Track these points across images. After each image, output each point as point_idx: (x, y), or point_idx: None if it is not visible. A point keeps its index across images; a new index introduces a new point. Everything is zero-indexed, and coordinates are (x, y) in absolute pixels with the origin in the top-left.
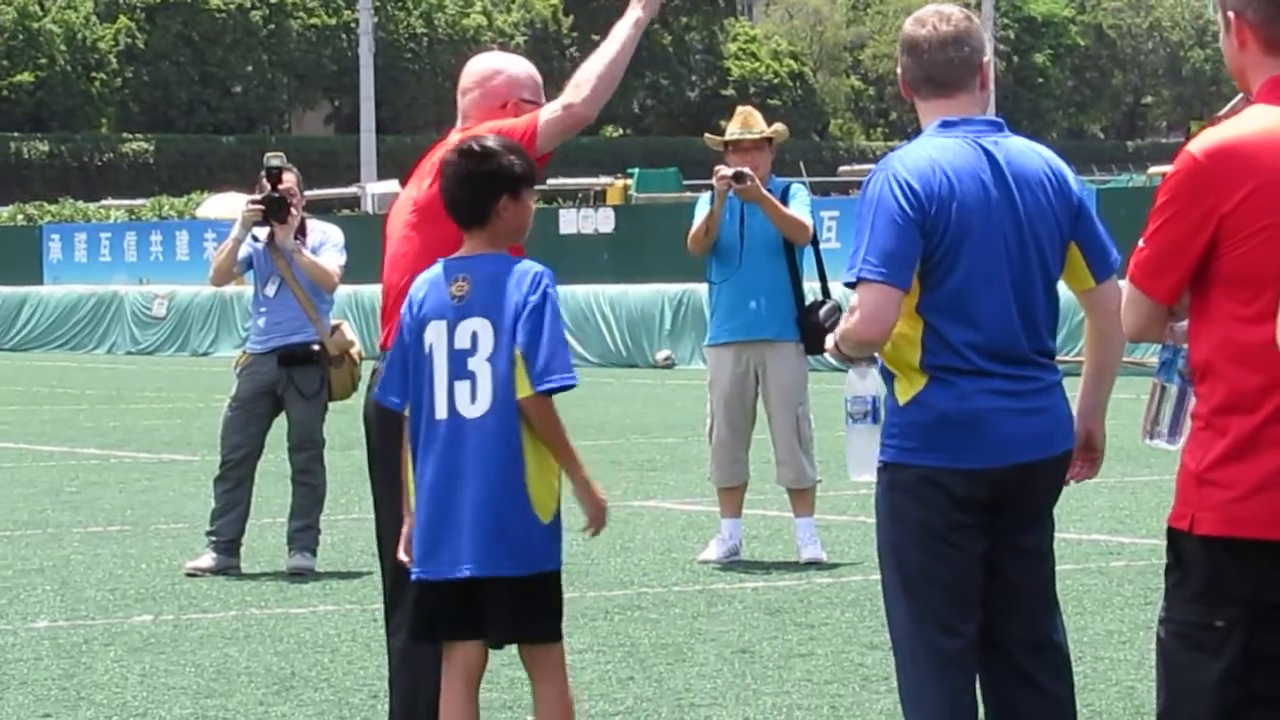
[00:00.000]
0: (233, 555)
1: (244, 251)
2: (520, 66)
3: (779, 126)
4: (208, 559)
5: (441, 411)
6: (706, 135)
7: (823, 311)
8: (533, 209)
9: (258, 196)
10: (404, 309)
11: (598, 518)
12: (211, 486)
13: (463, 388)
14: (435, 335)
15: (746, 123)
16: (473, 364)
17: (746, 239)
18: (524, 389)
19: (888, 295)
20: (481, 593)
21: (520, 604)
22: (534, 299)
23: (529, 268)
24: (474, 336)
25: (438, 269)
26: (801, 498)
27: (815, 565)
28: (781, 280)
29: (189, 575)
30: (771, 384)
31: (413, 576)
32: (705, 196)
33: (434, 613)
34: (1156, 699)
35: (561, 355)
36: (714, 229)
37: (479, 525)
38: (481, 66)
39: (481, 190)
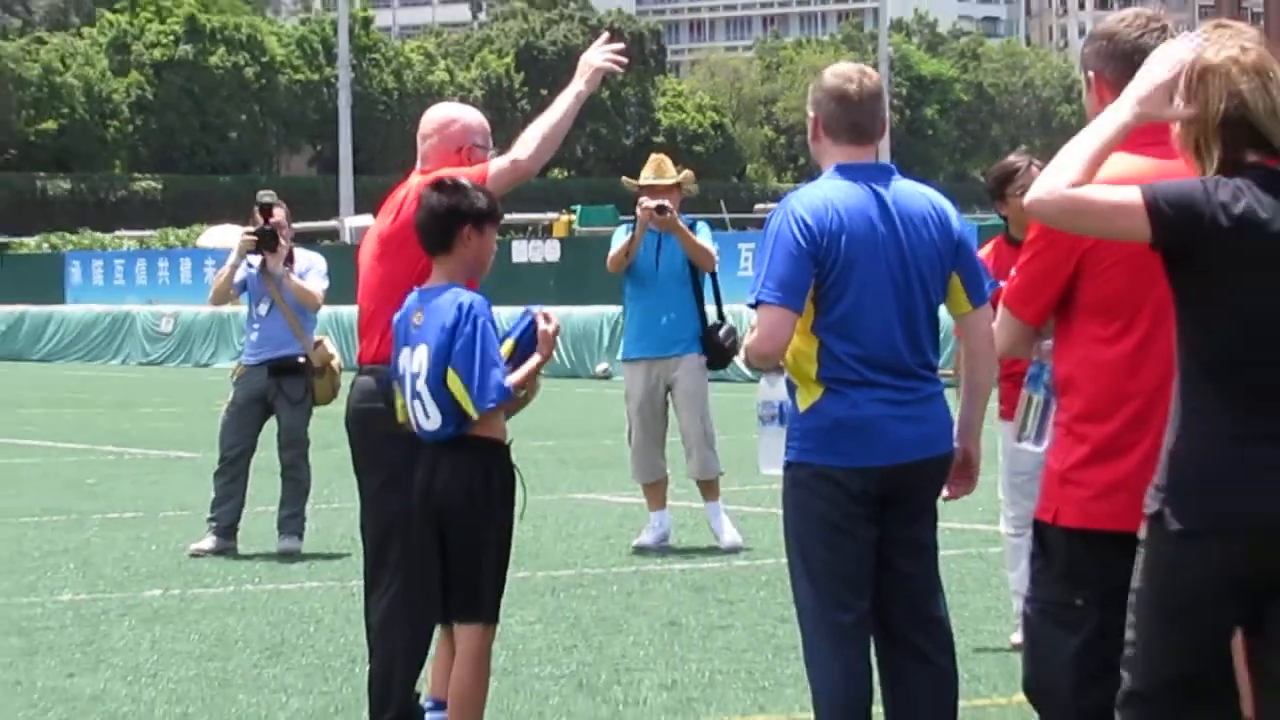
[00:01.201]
0: (230, 538)
1: (240, 276)
2: (473, 116)
3: (687, 173)
4: (209, 541)
5: (412, 426)
6: (624, 179)
7: (721, 333)
8: (493, 245)
9: (252, 229)
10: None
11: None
12: (211, 480)
13: (417, 406)
14: (405, 360)
15: (659, 169)
16: (419, 385)
17: (661, 265)
18: (470, 410)
19: (782, 316)
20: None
21: (472, 578)
22: (466, 329)
23: (455, 297)
24: (420, 361)
25: (413, 297)
26: (709, 487)
27: (735, 550)
28: (688, 303)
29: (192, 556)
30: (679, 392)
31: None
32: (622, 228)
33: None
34: (1023, 668)
35: (494, 379)
36: (633, 252)
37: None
38: (440, 115)
39: (447, 220)
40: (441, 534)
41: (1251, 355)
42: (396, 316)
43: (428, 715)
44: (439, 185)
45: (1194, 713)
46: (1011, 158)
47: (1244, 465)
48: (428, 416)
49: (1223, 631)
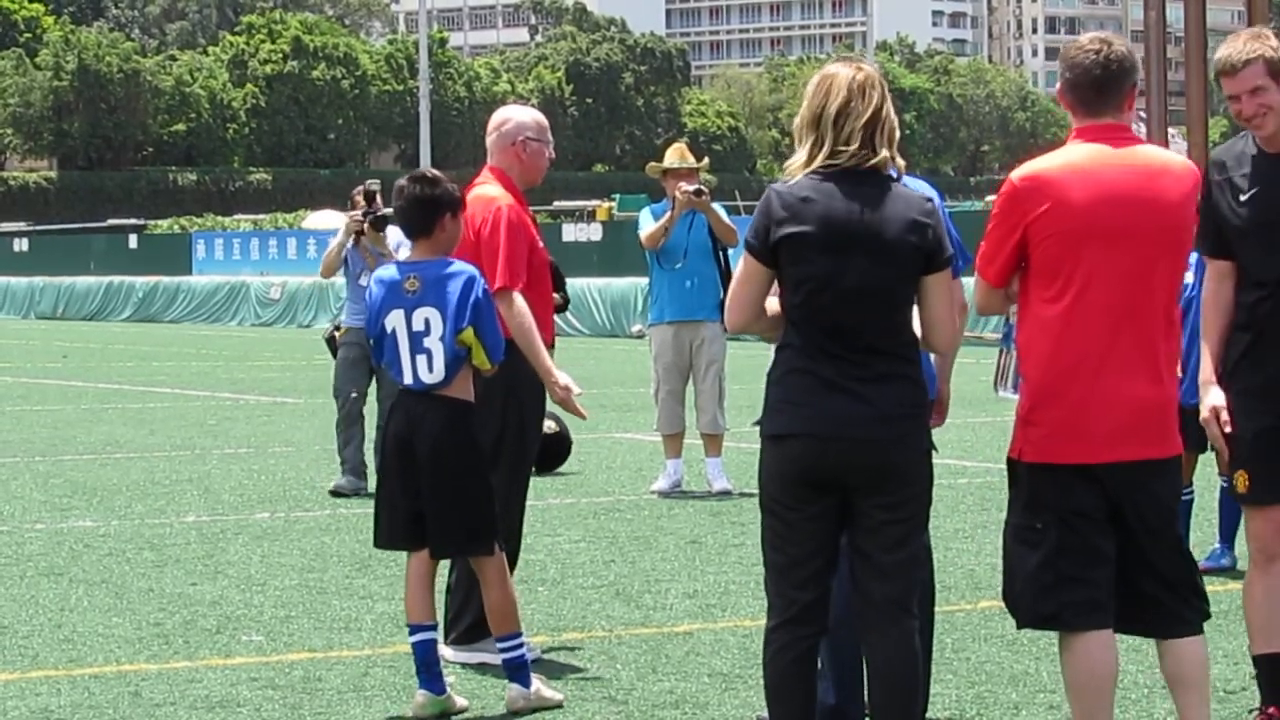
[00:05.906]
0: (361, 478)
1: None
2: (525, 114)
3: (705, 161)
4: (342, 480)
5: (408, 378)
6: (650, 165)
7: None
8: (462, 230)
9: (361, 213)
10: (369, 300)
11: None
12: (335, 429)
13: (422, 360)
14: (395, 321)
15: (683, 155)
16: (428, 343)
17: (691, 240)
18: (484, 364)
19: None
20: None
21: (468, 517)
22: (476, 296)
23: (463, 269)
24: (426, 322)
25: (392, 270)
26: (713, 441)
27: (725, 494)
28: (711, 273)
29: (332, 494)
30: (702, 355)
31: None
32: (646, 210)
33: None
34: (1001, 581)
35: (501, 337)
36: (670, 230)
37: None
38: (497, 117)
39: (432, 208)
40: (422, 477)
41: (812, 315)
42: (376, 286)
43: (411, 637)
44: (421, 179)
45: (803, 598)
46: None
47: (810, 395)
48: (431, 370)
49: (810, 516)
